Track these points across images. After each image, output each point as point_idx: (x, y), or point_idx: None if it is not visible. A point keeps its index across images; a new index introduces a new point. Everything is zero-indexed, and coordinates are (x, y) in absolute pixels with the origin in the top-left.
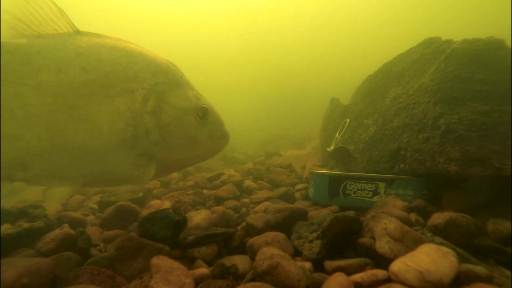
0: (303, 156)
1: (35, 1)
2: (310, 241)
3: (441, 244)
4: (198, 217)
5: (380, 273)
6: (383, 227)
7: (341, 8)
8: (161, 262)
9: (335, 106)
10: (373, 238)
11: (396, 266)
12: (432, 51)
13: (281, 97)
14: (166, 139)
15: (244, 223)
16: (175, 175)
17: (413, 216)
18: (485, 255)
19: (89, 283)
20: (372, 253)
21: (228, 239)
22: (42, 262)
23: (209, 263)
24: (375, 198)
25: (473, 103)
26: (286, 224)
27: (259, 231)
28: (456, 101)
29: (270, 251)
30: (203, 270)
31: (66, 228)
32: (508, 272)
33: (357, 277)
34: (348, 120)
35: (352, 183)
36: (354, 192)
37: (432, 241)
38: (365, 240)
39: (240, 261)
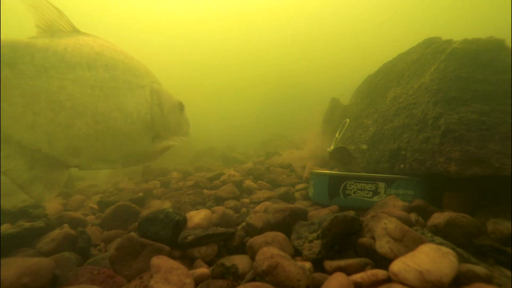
0: (303, 156)
1: (39, 5)
2: (310, 241)
3: (441, 244)
4: (198, 217)
5: (380, 273)
6: (383, 227)
7: (341, 8)
8: (161, 262)
9: (335, 106)
10: (373, 238)
11: (396, 266)
12: (432, 51)
13: (281, 97)
14: (167, 125)
15: (244, 223)
16: (175, 175)
17: (413, 216)
18: (485, 255)
19: (89, 283)
20: (372, 253)
21: (228, 239)
22: (42, 262)
23: (209, 263)
24: (375, 198)
25: (473, 103)
26: (286, 224)
27: (259, 231)
28: (456, 101)
29: (270, 251)
30: (203, 270)
31: (66, 228)
32: (508, 272)
33: (357, 277)
34: (348, 120)
35: (352, 183)
36: (354, 192)
37: (432, 241)
38: (365, 240)
39: (240, 261)
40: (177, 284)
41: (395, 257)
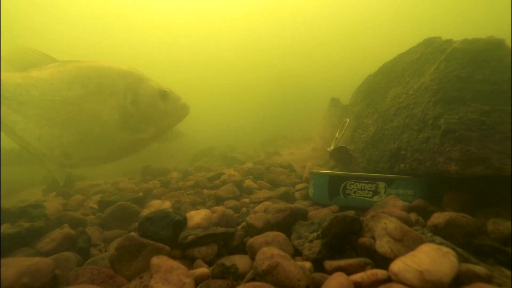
0: (303, 156)
1: (27, 51)
2: (310, 241)
3: (441, 244)
4: (198, 217)
5: (380, 273)
6: (383, 227)
7: (341, 8)
8: (161, 262)
9: (335, 106)
10: (373, 238)
11: (396, 266)
12: (432, 51)
13: (281, 97)
14: (146, 117)
15: (244, 223)
16: (175, 175)
17: (413, 216)
18: (485, 255)
19: (89, 283)
20: (372, 253)
21: (228, 239)
22: (42, 261)
23: (209, 263)
24: (375, 198)
25: (473, 103)
26: (286, 224)
27: (259, 231)
28: (456, 101)
29: (270, 251)
30: (203, 270)
31: (66, 228)
32: (508, 272)
33: (357, 277)
34: (348, 120)
35: (352, 182)
36: (354, 192)
37: (432, 241)
38: (365, 240)
39: (240, 261)
40: (177, 284)
41: (395, 257)
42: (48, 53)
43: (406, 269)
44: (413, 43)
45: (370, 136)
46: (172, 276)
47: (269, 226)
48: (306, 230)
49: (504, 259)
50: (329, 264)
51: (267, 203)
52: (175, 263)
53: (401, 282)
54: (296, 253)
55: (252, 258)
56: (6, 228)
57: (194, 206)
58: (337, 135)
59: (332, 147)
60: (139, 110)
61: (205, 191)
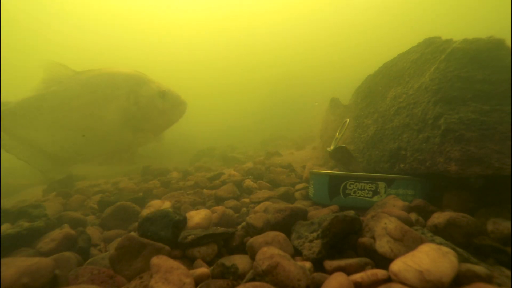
0: (303, 156)
1: (55, 66)
2: (310, 241)
3: (441, 244)
4: (198, 217)
5: (380, 273)
6: (383, 226)
7: (341, 8)
8: (161, 261)
9: (335, 106)
10: (373, 238)
11: (396, 266)
12: (432, 51)
13: (281, 97)
14: (146, 115)
15: (244, 223)
16: (175, 175)
17: (413, 216)
18: (485, 255)
19: (89, 283)
20: (372, 253)
21: (228, 238)
22: (42, 261)
23: (209, 263)
24: (375, 198)
25: (473, 103)
26: (286, 223)
27: (259, 231)
28: (456, 100)
29: (270, 250)
30: (203, 269)
31: (66, 228)
32: (508, 272)
33: (357, 276)
34: (348, 119)
35: (352, 182)
36: (354, 192)
37: (432, 241)
38: (365, 240)
39: (240, 261)
40: (177, 284)
41: (395, 257)
42: (69, 67)
43: (406, 269)
44: (413, 43)
45: (370, 136)
46: (172, 276)
47: (269, 226)
48: (306, 230)
49: (504, 259)
50: (329, 264)
51: (267, 203)
52: (175, 263)
53: (401, 282)
54: (296, 253)
55: (252, 258)
56: (6, 228)
57: (194, 206)
58: (337, 135)
59: (332, 147)
60: (140, 110)
61: (205, 191)
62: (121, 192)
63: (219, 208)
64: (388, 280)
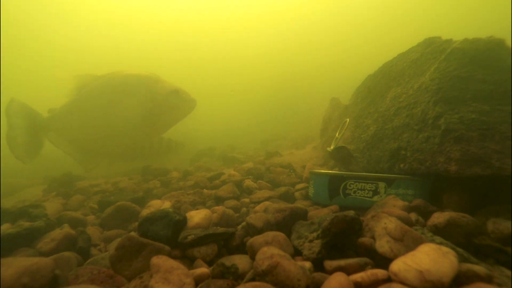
0: (303, 156)
1: (82, 77)
2: (310, 241)
3: (441, 243)
4: (198, 217)
5: (380, 272)
6: (383, 226)
7: (341, 8)
8: (161, 261)
9: (335, 106)
10: (373, 237)
11: (396, 265)
12: (432, 51)
13: (281, 96)
14: (162, 110)
15: (244, 223)
16: (175, 174)
17: (413, 216)
18: (485, 255)
19: (89, 283)
20: (372, 253)
21: (228, 238)
22: (42, 261)
23: (209, 263)
24: (375, 198)
25: (474, 103)
26: (286, 223)
27: (259, 231)
28: (456, 100)
29: (270, 250)
30: (203, 269)
31: (66, 228)
32: (508, 272)
33: (357, 276)
34: (348, 119)
35: (352, 182)
36: (354, 192)
37: (432, 241)
38: (365, 239)
39: (240, 261)
40: (177, 284)
41: (395, 256)
42: (94, 74)
43: (406, 269)
44: (413, 43)
45: (370, 136)
46: (172, 276)
47: (269, 226)
48: (306, 230)
49: (504, 259)
50: (329, 264)
51: (267, 203)
52: (175, 263)
53: (401, 282)
54: (296, 253)
55: (252, 258)
56: (6, 228)
57: (194, 206)
58: (337, 135)
59: (332, 147)
60: (156, 107)
61: (205, 191)
62: (121, 192)
63: (219, 208)
64: (388, 280)
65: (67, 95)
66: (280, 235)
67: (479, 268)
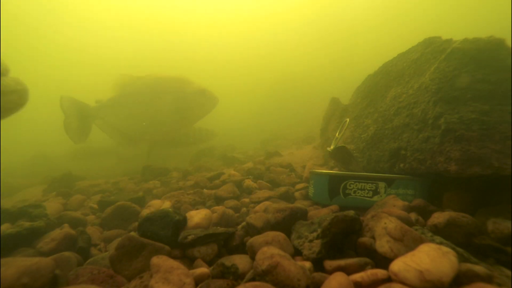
0: (303, 156)
1: (123, 77)
2: (310, 241)
3: (441, 243)
4: (198, 217)
5: (380, 272)
6: (383, 226)
7: (341, 8)
8: (161, 261)
9: (335, 105)
10: (373, 237)
11: (396, 265)
12: (432, 51)
13: (281, 96)
14: (189, 106)
15: (244, 223)
16: (175, 174)
17: (413, 216)
18: (485, 255)
19: (89, 283)
20: (372, 253)
21: (228, 238)
22: (42, 261)
23: (209, 263)
24: (375, 198)
25: (474, 103)
26: (286, 223)
27: (259, 231)
28: (456, 100)
29: (270, 250)
30: (203, 269)
31: (66, 228)
32: (508, 272)
33: (357, 276)
34: (348, 119)
35: (352, 182)
36: (354, 192)
37: (432, 241)
38: (365, 239)
39: (240, 261)
40: (177, 284)
41: (395, 256)
42: (133, 74)
43: (406, 269)
44: (413, 43)
45: (370, 135)
46: (172, 276)
47: (269, 226)
48: (306, 230)
49: (504, 259)
50: (329, 264)
51: (267, 203)
52: (175, 263)
53: (401, 281)
54: (296, 253)
55: (252, 258)
56: (6, 228)
57: (194, 206)
58: (337, 135)
59: (332, 147)
60: (186, 103)
61: (205, 191)
62: (121, 192)
63: (219, 208)
64: (388, 280)
65: (111, 90)
66: (280, 235)
67: (479, 268)
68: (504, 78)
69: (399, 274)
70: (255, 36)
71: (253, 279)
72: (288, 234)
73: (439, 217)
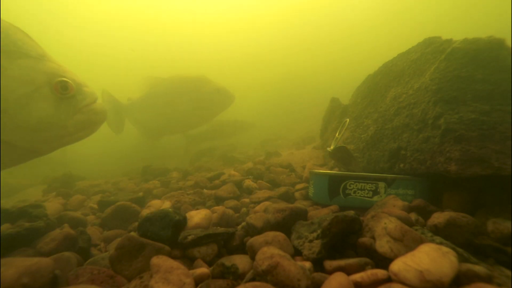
0: (303, 156)
1: (149, 78)
2: (310, 241)
3: (441, 243)
4: (198, 217)
5: (380, 272)
6: (383, 226)
7: (341, 8)
8: (161, 261)
9: (335, 106)
10: (373, 237)
11: (396, 265)
12: (432, 51)
13: (281, 96)
14: (207, 104)
15: (244, 223)
16: (175, 175)
17: (413, 216)
18: (485, 255)
19: (89, 283)
20: (372, 253)
21: (228, 238)
22: (42, 262)
23: (209, 263)
24: (375, 198)
25: (474, 103)
26: (286, 223)
27: (259, 231)
28: (456, 100)
29: (270, 250)
30: (203, 269)
31: (66, 228)
32: (508, 272)
33: (357, 276)
34: (348, 119)
35: (352, 182)
36: (354, 192)
37: (432, 241)
38: (365, 239)
39: (240, 261)
40: (177, 284)
41: (395, 256)
42: (160, 76)
43: (406, 269)
44: (413, 43)
45: (370, 136)
46: (172, 276)
47: (269, 226)
48: (306, 230)
49: (504, 259)
50: (329, 264)
51: (267, 203)
52: (175, 263)
53: (401, 282)
54: (296, 253)
55: (252, 258)
56: (6, 228)
57: (194, 206)
58: (337, 135)
59: (332, 147)
60: (204, 101)
61: (205, 191)
62: (121, 192)
63: (219, 208)
64: (388, 280)
65: (140, 90)
66: (280, 235)
67: (479, 268)
68: (504, 78)
69: (399, 274)
70: (255, 36)
71: (253, 279)
72: (288, 234)
73: (439, 217)
